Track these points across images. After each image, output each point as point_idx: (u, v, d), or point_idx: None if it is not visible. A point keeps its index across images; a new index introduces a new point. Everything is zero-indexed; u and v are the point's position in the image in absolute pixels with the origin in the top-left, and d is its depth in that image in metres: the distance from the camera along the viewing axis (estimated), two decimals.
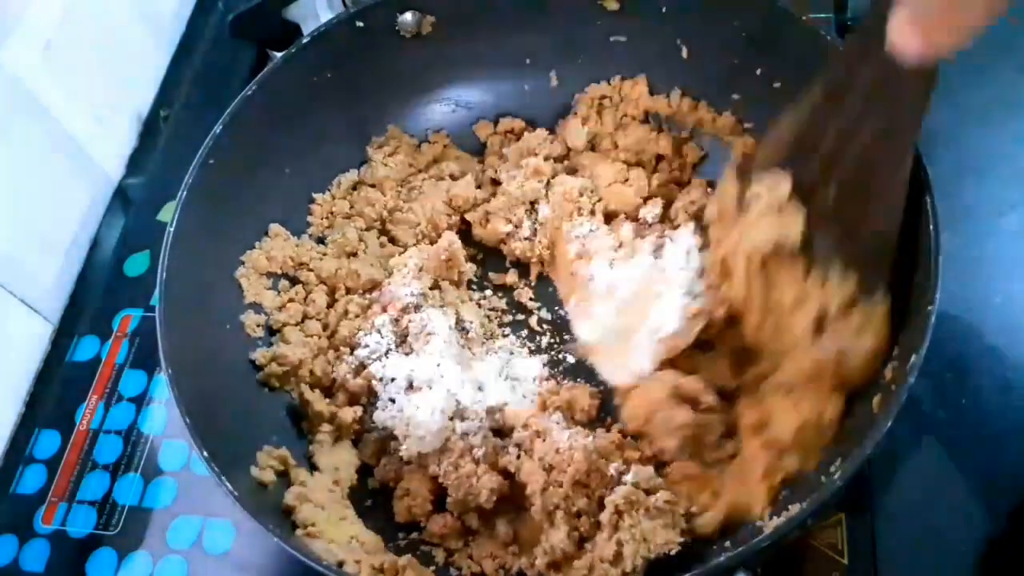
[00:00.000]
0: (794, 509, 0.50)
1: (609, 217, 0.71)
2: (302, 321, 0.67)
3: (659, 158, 0.73)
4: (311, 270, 0.69)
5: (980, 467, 0.60)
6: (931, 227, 0.51)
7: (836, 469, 0.51)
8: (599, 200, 0.71)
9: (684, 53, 0.71)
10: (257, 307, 0.66)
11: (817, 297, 0.49)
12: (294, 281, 0.69)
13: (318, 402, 0.63)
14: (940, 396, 0.62)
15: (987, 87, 0.75)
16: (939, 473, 0.61)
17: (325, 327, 0.68)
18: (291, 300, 0.67)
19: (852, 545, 0.56)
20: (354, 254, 0.71)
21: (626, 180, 0.72)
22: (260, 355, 0.64)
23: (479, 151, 0.78)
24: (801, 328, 0.49)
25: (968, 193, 0.70)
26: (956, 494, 0.60)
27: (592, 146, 0.75)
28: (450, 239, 0.69)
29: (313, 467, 0.62)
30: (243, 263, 0.67)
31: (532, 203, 0.72)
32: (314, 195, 0.73)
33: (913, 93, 0.43)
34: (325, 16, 0.85)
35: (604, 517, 0.53)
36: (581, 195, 0.71)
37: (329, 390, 0.65)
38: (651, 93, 0.73)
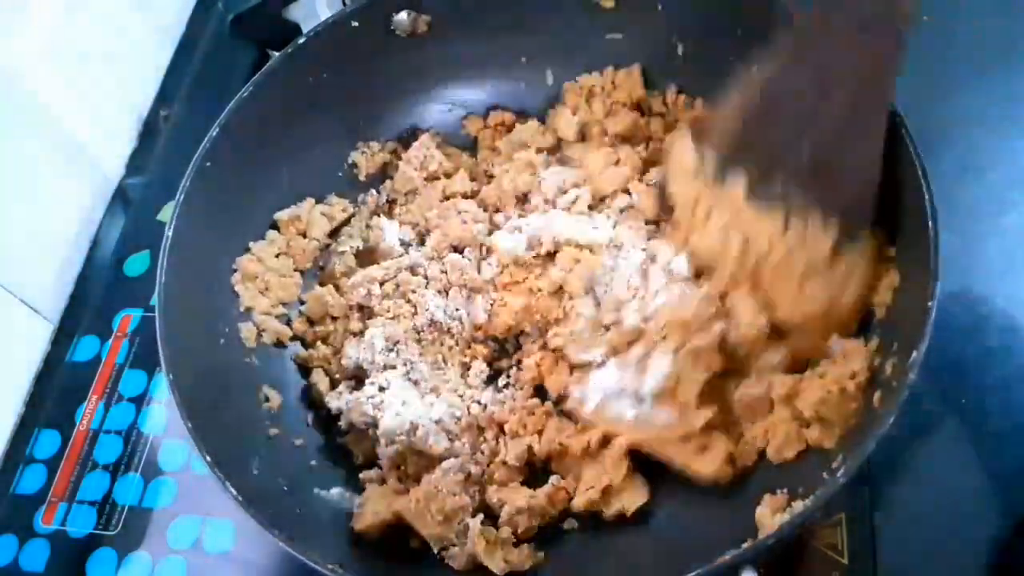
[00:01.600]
0: (798, 507, 0.51)
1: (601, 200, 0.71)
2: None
3: (649, 140, 0.73)
4: None
5: (980, 467, 0.60)
6: (931, 227, 0.52)
7: (839, 466, 0.51)
8: (590, 190, 0.71)
9: (680, 51, 0.71)
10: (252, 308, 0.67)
11: (799, 248, 0.49)
12: None
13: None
14: (940, 395, 0.62)
15: (987, 87, 0.75)
16: (939, 473, 0.61)
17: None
18: None
19: (852, 545, 0.56)
20: None
21: (617, 162, 0.72)
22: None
23: (474, 148, 0.78)
24: (790, 277, 0.49)
25: (968, 193, 0.70)
26: (956, 494, 0.60)
27: (583, 135, 0.75)
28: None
29: None
30: (236, 269, 0.67)
31: (525, 194, 0.72)
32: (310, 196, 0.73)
33: (890, 42, 0.44)
34: (325, 16, 0.84)
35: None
36: (575, 185, 0.71)
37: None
38: (647, 88, 0.73)
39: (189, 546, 0.64)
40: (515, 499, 0.58)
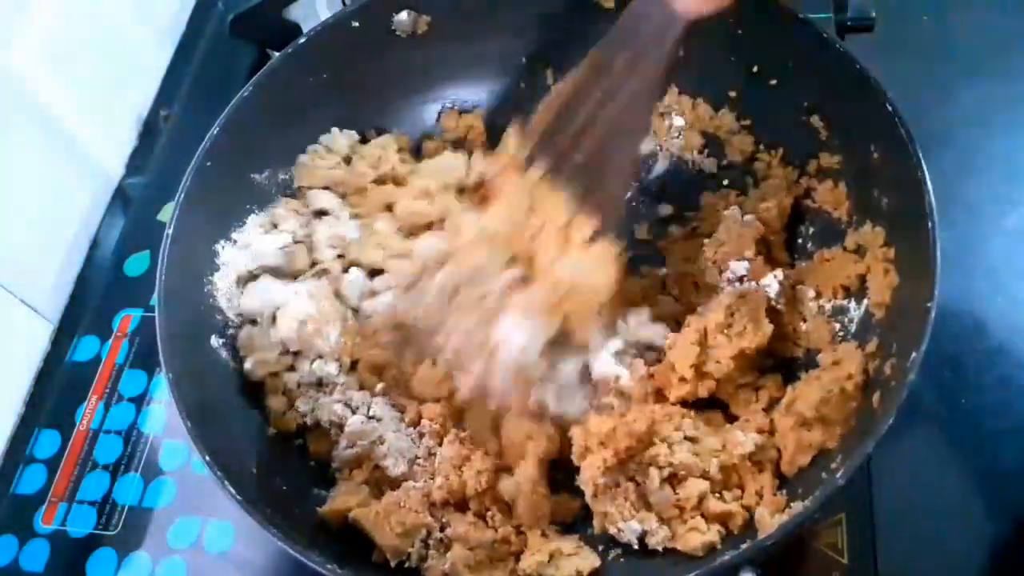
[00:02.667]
0: (797, 507, 0.51)
1: None
2: None
3: None
4: None
5: (980, 467, 0.61)
6: (931, 226, 0.52)
7: (838, 467, 0.51)
8: None
9: (680, 51, 0.70)
10: None
11: (567, 224, 0.57)
12: None
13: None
14: (940, 395, 0.62)
15: (987, 87, 0.75)
16: (939, 473, 0.61)
17: None
18: None
19: (852, 545, 0.56)
20: None
21: None
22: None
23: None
24: (555, 245, 0.57)
25: (968, 193, 0.70)
26: (956, 494, 0.60)
27: None
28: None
29: None
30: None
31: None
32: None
33: (664, 56, 0.53)
34: (325, 16, 0.84)
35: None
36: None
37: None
38: None
39: (189, 546, 0.64)
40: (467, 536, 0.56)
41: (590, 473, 0.55)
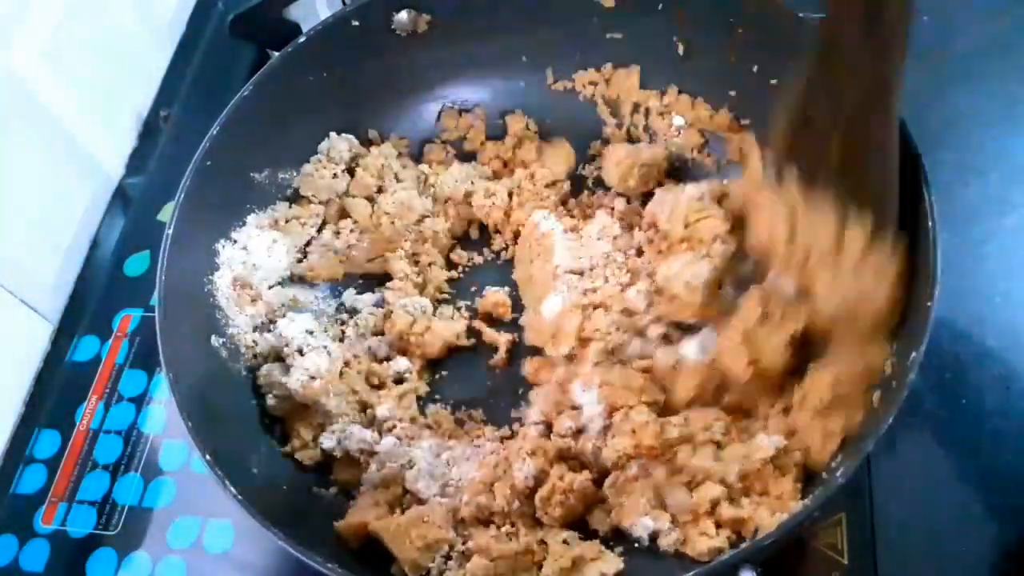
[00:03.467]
0: (797, 506, 0.51)
1: None
2: None
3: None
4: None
5: (980, 467, 0.60)
6: (931, 226, 0.52)
7: (838, 466, 0.51)
8: None
9: (681, 50, 0.70)
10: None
11: (840, 239, 0.52)
12: None
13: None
14: (940, 396, 0.62)
15: (987, 87, 0.75)
16: (939, 473, 0.61)
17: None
18: None
19: (852, 545, 0.56)
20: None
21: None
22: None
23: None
24: (831, 266, 0.53)
25: (968, 193, 0.69)
26: (956, 494, 0.60)
27: None
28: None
29: None
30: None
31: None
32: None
33: (894, 41, 0.47)
34: (325, 15, 0.84)
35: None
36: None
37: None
38: (647, 88, 0.73)
39: (189, 546, 0.64)
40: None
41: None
